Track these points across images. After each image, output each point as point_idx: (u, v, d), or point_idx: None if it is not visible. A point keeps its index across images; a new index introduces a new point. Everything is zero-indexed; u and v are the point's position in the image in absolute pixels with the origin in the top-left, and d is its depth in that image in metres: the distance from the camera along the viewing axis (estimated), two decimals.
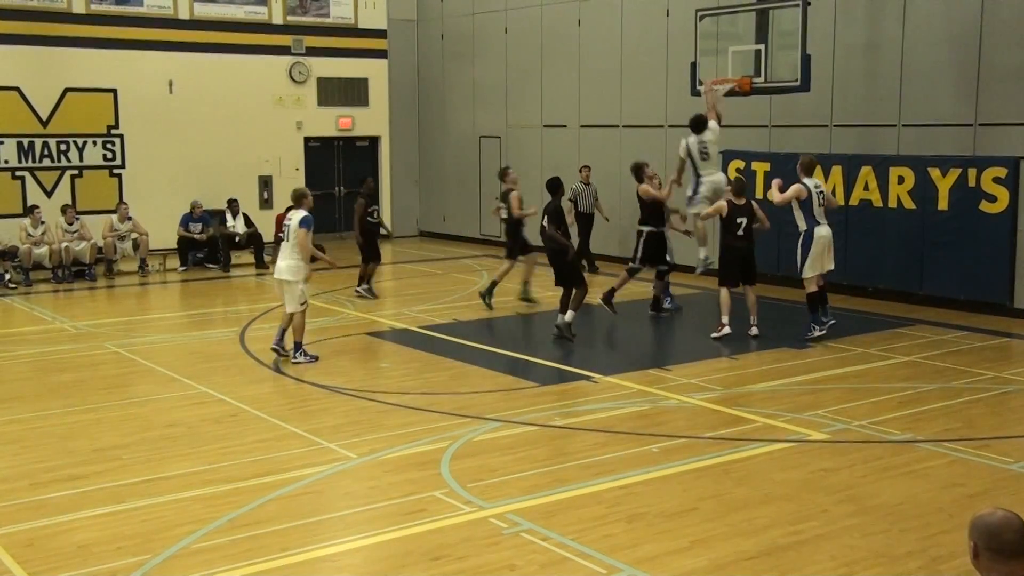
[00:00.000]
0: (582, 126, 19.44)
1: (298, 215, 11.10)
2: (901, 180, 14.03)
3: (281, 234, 11.39)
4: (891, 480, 7.36)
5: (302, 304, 11.05)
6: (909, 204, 13.98)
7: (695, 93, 15.24)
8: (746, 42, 14.64)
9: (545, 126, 20.30)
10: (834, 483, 7.29)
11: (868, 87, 14.87)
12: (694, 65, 15.16)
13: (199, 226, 18.69)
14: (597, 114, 19.06)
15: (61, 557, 6.11)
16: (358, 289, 15.26)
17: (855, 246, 14.58)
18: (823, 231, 11.87)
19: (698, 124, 13.43)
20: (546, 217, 12.19)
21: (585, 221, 17.63)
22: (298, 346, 11.08)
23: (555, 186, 12.55)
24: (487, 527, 6.51)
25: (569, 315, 11.98)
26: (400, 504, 6.93)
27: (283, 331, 11.24)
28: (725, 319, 12.17)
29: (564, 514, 6.72)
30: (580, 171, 17.69)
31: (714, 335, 12.10)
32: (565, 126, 19.79)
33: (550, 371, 10.79)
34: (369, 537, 6.46)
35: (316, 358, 11.12)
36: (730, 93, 14.21)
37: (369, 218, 15.18)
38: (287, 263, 11.03)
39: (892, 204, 14.15)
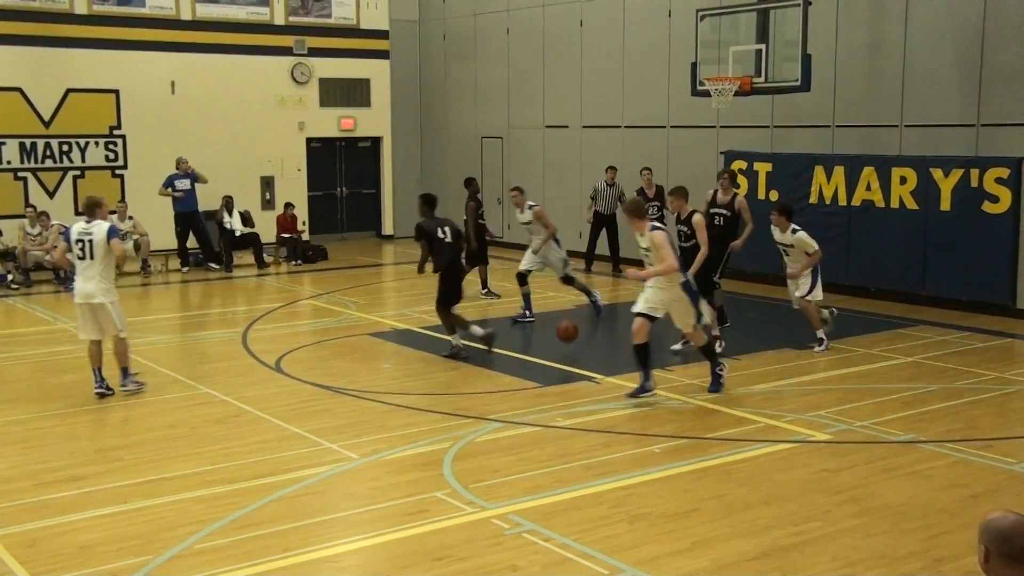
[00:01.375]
0: (584, 127, 19.44)
1: (101, 227, 9.65)
2: (904, 180, 14.03)
3: (80, 253, 9.68)
4: (893, 481, 7.35)
5: (121, 331, 9.84)
6: (911, 204, 13.98)
7: (696, 93, 15.28)
8: (747, 43, 14.66)
9: (547, 127, 20.30)
10: (836, 484, 7.28)
11: (870, 87, 14.86)
12: (694, 65, 15.18)
13: (187, 182, 18.53)
14: (599, 115, 19.06)
15: (63, 558, 6.11)
16: (482, 293, 15.18)
17: (857, 247, 14.59)
18: None
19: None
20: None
21: (602, 221, 17.61)
22: (126, 372, 9.92)
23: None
24: (489, 528, 6.50)
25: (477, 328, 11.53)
26: (402, 505, 6.93)
27: (100, 368, 9.85)
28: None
29: (566, 515, 6.72)
30: (606, 171, 17.67)
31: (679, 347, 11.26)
32: (567, 127, 19.80)
33: (552, 372, 10.78)
34: (371, 538, 6.46)
35: (143, 385, 10.05)
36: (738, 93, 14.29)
37: (480, 220, 15.02)
38: (97, 284, 9.65)
39: (894, 204, 14.15)
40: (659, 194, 16.28)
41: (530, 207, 13.52)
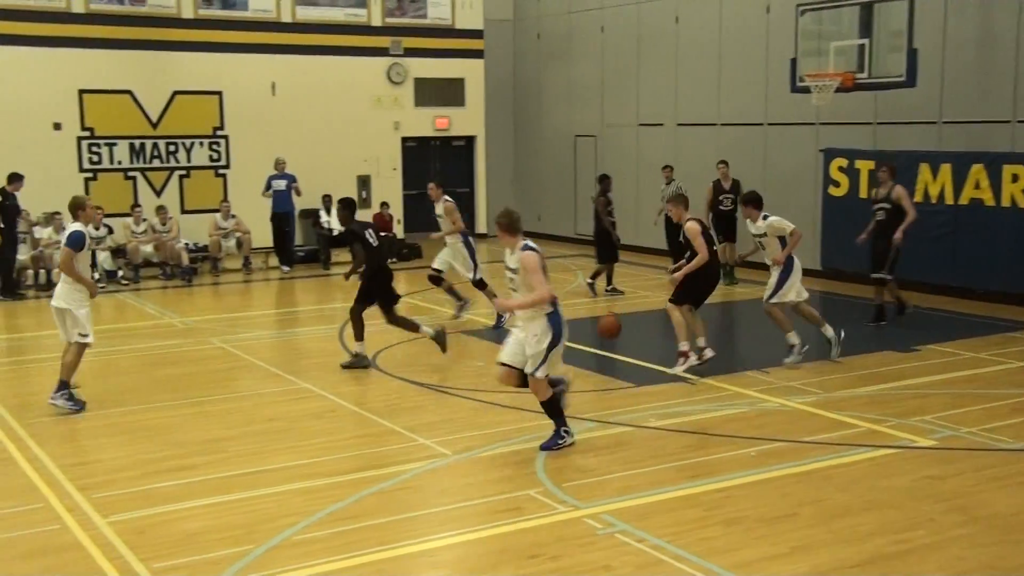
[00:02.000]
0: (678, 124, 19.25)
1: (69, 230, 9.38)
2: (1015, 178, 13.53)
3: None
4: (1003, 489, 7.09)
5: (83, 336, 9.29)
6: None
7: (795, 90, 15.02)
8: (849, 37, 14.34)
9: (641, 125, 20.16)
10: (942, 491, 7.06)
11: (980, 82, 14.38)
12: (794, 61, 14.92)
13: (283, 183, 18.82)
14: (694, 112, 18.85)
15: (170, 545, 6.29)
16: (606, 290, 15.23)
17: (964, 247, 14.13)
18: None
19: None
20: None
21: (669, 222, 17.26)
22: (63, 385, 9.27)
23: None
24: (582, 527, 6.48)
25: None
26: (495, 502, 6.95)
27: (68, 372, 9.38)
28: (686, 345, 10.42)
29: (660, 516, 6.66)
30: (662, 171, 17.50)
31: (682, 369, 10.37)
32: (662, 124, 19.63)
33: (646, 372, 10.69)
34: (464, 534, 6.50)
35: (82, 406, 9.31)
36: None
37: (609, 216, 15.03)
38: (62, 286, 9.33)
39: (1006, 203, 13.65)
40: (735, 187, 16.04)
41: (445, 200, 13.40)
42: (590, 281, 15.31)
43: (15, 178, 15.85)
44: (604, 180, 15.38)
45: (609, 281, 15.31)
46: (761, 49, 17.26)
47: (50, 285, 16.37)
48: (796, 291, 10.80)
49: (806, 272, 15.52)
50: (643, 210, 18.39)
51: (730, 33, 17.99)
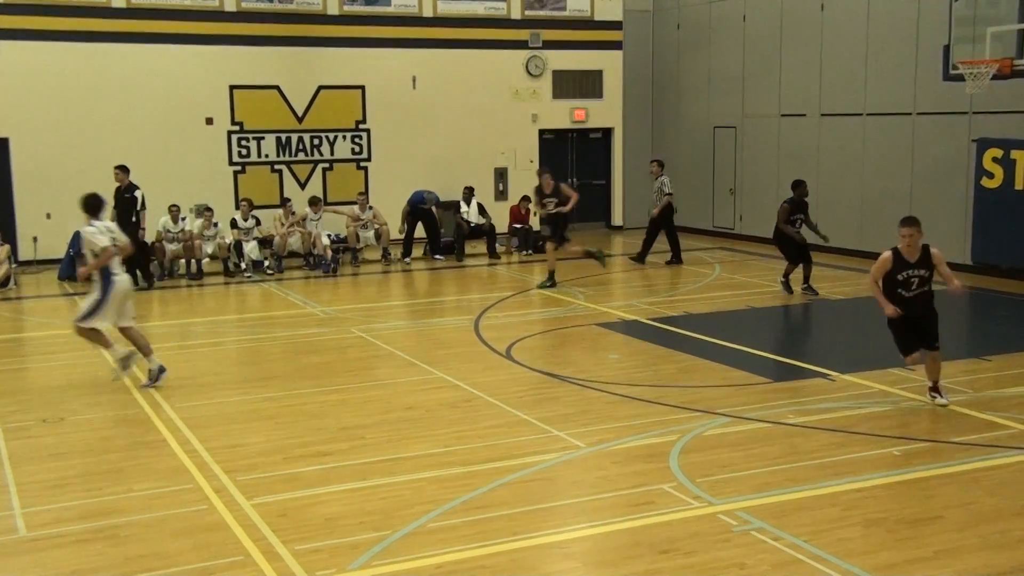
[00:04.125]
0: (822, 115, 18.73)
1: None
2: None
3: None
4: None
5: None
6: None
7: (947, 78, 14.42)
8: (1007, 22, 13.70)
9: (783, 115, 19.70)
10: None
11: None
12: (947, 48, 14.32)
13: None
14: (839, 102, 18.31)
15: (310, 528, 6.51)
16: (798, 287, 14.82)
17: None
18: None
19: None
20: None
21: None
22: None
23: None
24: (716, 523, 6.41)
25: None
26: (628, 495, 6.94)
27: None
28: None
29: (797, 514, 6.52)
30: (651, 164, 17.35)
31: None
32: (804, 115, 19.13)
33: (784, 367, 10.48)
34: (597, 526, 6.50)
35: None
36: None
37: (791, 225, 14.88)
38: None
39: None
40: (555, 191, 15.78)
41: None
42: (783, 280, 14.86)
43: (122, 170, 15.91)
44: (795, 187, 14.85)
45: (805, 279, 14.70)
46: (911, 36, 16.61)
47: (200, 275, 17.20)
48: (117, 314, 10.03)
49: (955, 267, 14.91)
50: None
51: (878, 20, 17.38)
